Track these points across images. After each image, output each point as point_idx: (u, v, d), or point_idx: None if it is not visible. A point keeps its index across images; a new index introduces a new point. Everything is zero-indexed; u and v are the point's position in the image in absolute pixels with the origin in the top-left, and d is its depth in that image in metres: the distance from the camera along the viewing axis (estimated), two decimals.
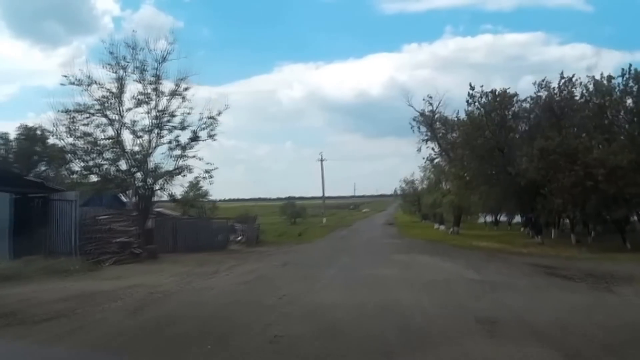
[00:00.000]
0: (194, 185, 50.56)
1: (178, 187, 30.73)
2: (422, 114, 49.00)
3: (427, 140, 49.96)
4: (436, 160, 55.78)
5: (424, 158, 47.68)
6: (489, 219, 61.67)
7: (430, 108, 48.06)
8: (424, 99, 48.15)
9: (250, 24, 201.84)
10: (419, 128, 49.17)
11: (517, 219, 61.64)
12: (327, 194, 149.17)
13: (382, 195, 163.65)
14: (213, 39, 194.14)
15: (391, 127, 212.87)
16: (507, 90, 27.25)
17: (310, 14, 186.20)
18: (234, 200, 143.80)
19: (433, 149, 42.00)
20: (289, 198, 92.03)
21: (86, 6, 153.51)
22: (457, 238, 39.42)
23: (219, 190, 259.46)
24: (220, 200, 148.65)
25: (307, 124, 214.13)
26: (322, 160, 72.31)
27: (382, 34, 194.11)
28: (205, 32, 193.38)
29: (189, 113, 30.59)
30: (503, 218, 63.06)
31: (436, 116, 48.22)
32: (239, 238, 36.39)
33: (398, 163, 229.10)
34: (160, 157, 29.77)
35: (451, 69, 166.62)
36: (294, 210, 71.49)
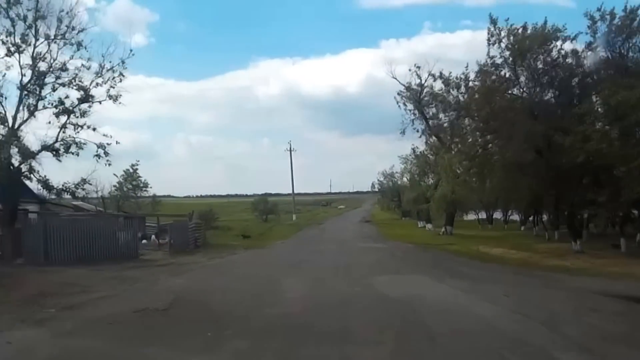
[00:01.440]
0: (130, 175, 40.38)
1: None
2: (407, 87, 39.60)
3: (413, 120, 40.63)
4: (422, 148, 46.78)
5: (418, 131, 37.91)
6: (477, 215, 52.66)
7: (417, 81, 38.78)
8: (410, 69, 38.70)
9: (225, 18, 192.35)
10: (405, 104, 39.73)
11: (512, 216, 53.00)
12: (303, 191, 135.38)
13: (358, 192, 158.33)
14: (188, 33, 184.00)
15: (368, 124, 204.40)
16: (549, 26, 17.64)
17: (287, 7, 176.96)
18: (210, 196, 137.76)
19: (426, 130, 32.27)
20: (266, 194, 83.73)
21: None
22: (455, 241, 29.91)
23: (195, 186, 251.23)
24: (197, 197, 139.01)
25: (284, 120, 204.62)
26: (290, 151, 62.39)
27: (360, 29, 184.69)
28: (181, 26, 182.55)
29: (86, 66, 20.69)
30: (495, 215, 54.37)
31: (425, 90, 38.89)
32: (166, 241, 26.29)
33: (374, 160, 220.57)
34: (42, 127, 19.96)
35: (430, 65, 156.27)
36: (266, 207, 63.65)
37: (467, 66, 23.84)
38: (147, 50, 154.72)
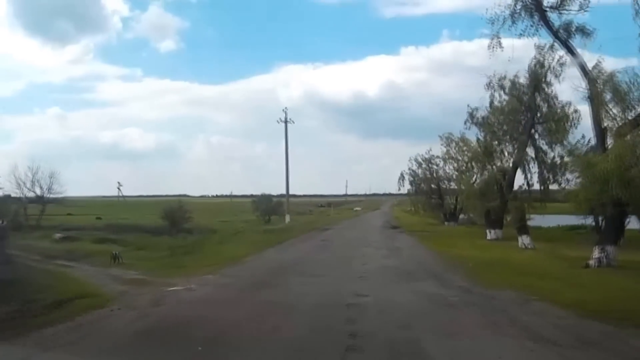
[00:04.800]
0: None
1: None
2: None
3: (513, 15, 18.26)
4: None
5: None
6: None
7: None
8: None
9: (252, 25, 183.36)
10: (512, 19, 17.49)
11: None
12: (319, 192, 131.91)
13: (374, 194, 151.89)
14: (216, 40, 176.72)
15: (386, 128, 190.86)
16: None
17: (311, 16, 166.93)
18: (225, 196, 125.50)
19: None
20: (281, 195, 68.52)
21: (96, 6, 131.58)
22: None
23: (212, 186, 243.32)
24: (213, 196, 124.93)
25: (304, 123, 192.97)
26: (286, 122, 40.41)
27: (380, 37, 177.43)
28: (210, 32, 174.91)
29: None
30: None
31: None
32: None
33: (391, 164, 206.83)
34: None
35: (447, 72, 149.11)
36: (269, 206, 50.49)
37: None
38: (176, 56, 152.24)
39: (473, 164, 28.86)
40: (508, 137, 27.55)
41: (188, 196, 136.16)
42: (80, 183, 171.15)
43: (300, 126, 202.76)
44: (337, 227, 38.51)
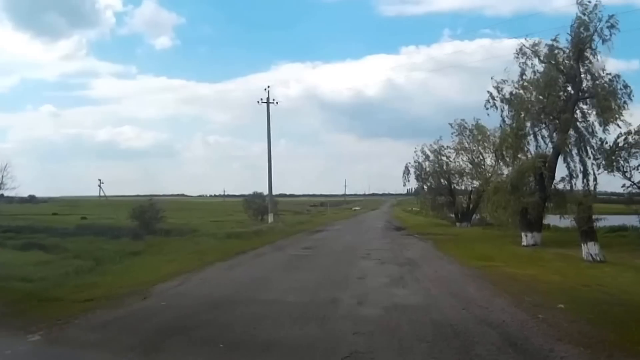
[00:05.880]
0: None
1: None
2: None
3: None
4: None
5: None
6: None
7: None
8: None
9: (250, 22, 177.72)
10: None
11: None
12: (318, 192, 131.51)
13: (374, 194, 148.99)
14: (213, 37, 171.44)
15: (385, 127, 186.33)
16: None
17: (310, 14, 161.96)
18: (223, 195, 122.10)
19: None
20: (281, 195, 66.15)
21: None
22: None
23: (211, 186, 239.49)
24: (210, 196, 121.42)
25: (302, 122, 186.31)
26: (268, 102, 33.41)
27: (380, 36, 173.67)
28: (206, 29, 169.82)
29: None
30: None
31: None
32: None
33: (390, 164, 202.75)
34: None
35: (448, 71, 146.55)
36: (261, 205, 45.78)
37: None
38: (171, 53, 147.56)
39: (504, 150, 22.00)
40: (543, 115, 21.53)
41: (186, 196, 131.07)
42: (77, 182, 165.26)
43: (299, 125, 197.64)
44: (331, 229, 31.58)
